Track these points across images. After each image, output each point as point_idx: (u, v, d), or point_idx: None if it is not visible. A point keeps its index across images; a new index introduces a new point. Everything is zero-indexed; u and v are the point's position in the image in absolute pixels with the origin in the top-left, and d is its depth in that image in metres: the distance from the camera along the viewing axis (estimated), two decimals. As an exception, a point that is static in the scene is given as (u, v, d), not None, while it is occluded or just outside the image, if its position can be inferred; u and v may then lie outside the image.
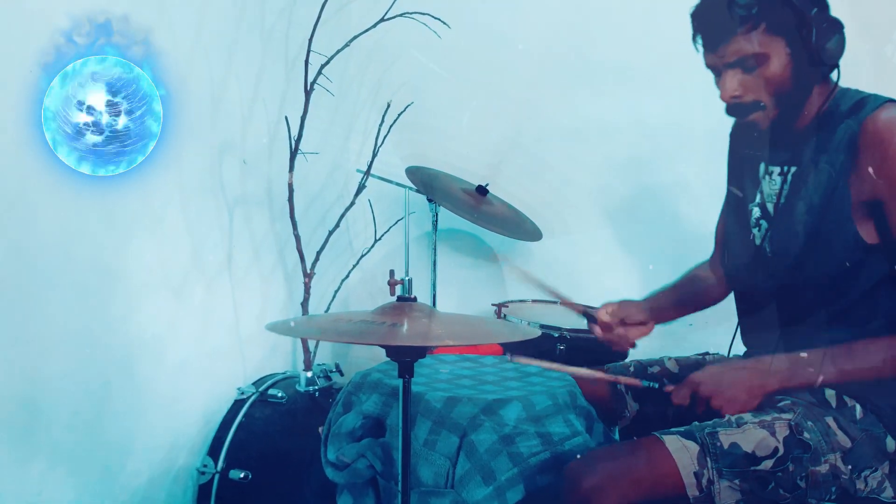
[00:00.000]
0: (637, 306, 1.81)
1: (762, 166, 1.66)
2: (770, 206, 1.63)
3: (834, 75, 1.54)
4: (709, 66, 1.57)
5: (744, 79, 1.52)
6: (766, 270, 1.63)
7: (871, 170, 1.44)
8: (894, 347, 1.46)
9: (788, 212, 1.57)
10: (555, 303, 2.61)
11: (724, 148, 1.78)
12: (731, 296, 1.82)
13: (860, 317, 1.50)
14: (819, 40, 1.48)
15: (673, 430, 1.46)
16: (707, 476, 1.40)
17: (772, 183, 1.63)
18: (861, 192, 1.46)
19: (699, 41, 1.56)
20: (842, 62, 1.53)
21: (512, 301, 2.63)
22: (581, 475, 1.40)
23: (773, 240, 1.62)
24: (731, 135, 1.78)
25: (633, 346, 1.83)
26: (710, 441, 1.42)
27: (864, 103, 1.48)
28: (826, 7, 1.50)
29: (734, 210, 1.74)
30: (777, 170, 1.62)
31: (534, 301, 2.64)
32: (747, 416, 1.47)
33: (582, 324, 2.32)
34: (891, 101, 1.47)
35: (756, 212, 1.66)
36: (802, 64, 1.50)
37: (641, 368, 1.81)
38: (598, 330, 1.82)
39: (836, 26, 1.50)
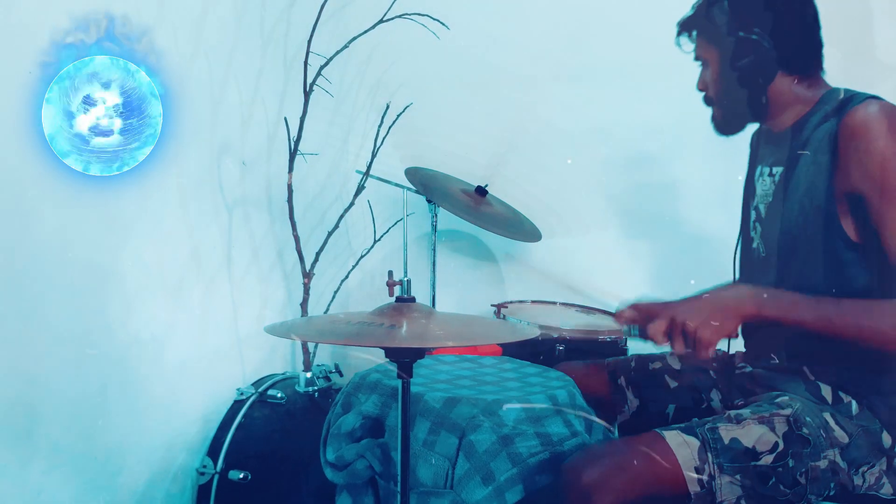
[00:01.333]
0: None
1: (759, 168, 1.69)
2: (762, 208, 1.65)
3: (826, 77, 1.58)
4: None
5: (704, 75, 1.66)
6: (760, 271, 1.65)
7: (850, 165, 1.45)
8: (878, 311, 1.43)
9: (776, 212, 1.59)
10: (553, 303, 2.62)
11: (722, 148, 1.79)
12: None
13: None
14: (734, 57, 1.57)
15: (673, 426, 1.46)
16: (708, 471, 1.40)
17: (763, 184, 1.65)
18: (843, 188, 1.47)
19: None
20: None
21: (511, 301, 2.63)
22: (581, 470, 1.40)
23: (764, 240, 1.64)
24: (751, 137, 1.83)
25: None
26: (710, 436, 1.43)
27: (848, 102, 1.49)
28: (749, 27, 1.55)
29: (744, 215, 1.77)
30: (767, 170, 1.65)
31: (533, 302, 2.64)
32: (746, 413, 1.48)
33: (581, 324, 2.33)
34: (872, 97, 1.48)
35: (753, 214, 1.68)
36: (732, 73, 1.59)
37: (643, 363, 1.82)
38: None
39: (756, 47, 1.55)
